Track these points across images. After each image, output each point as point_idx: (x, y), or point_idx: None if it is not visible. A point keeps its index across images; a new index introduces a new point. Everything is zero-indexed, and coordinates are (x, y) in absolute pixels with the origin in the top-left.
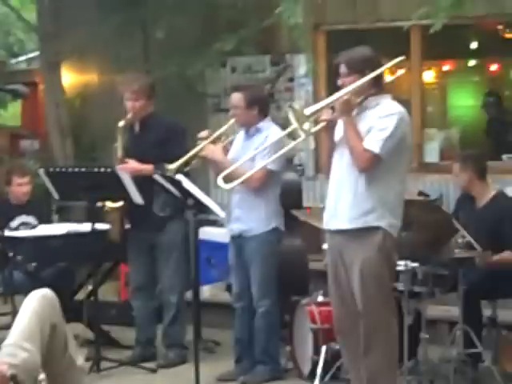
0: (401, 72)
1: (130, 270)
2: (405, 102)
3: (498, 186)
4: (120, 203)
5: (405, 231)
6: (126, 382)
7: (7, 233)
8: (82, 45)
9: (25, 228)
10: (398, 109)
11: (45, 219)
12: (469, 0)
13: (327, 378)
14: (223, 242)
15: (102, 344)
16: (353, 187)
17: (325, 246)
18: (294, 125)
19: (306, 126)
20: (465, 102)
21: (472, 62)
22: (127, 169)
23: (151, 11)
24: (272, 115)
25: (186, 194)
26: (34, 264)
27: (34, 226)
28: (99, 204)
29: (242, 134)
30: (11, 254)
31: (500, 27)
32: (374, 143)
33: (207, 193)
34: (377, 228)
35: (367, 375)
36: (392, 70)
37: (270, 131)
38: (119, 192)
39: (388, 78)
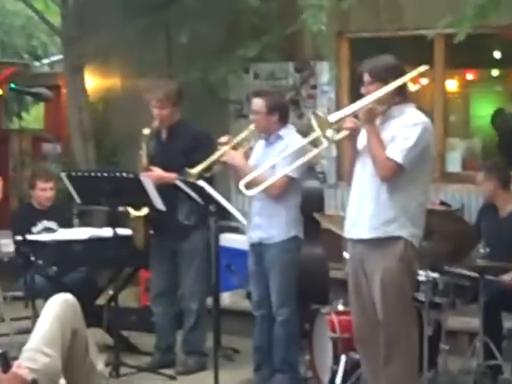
0: (425, 81)
1: (152, 275)
2: (426, 113)
3: None
4: (144, 211)
5: (426, 241)
6: None
7: (29, 237)
8: (106, 48)
9: (47, 234)
10: (422, 118)
11: (66, 223)
12: (493, 9)
13: None
14: (244, 248)
15: (121, 349)
16: (375, 196)
17: (346, 255)
18: (317, 132)
19: (329, 133)
20: (487, 112)
21: (495, 72)
22: (152, 177)
23: (175, 16)
24: (293, 122)
25: (208, 200)
26: (55, 268)
27: (55, 232)
28: (121, 209)
29: (261, 142)
30: (33, 258)
31: None
32: (397, 152)
33: (228, 199)
34: (398, 238)
35: None
36: (415, 79)
37: (291, 138)
38: (141, 198)
39: (412, 87)
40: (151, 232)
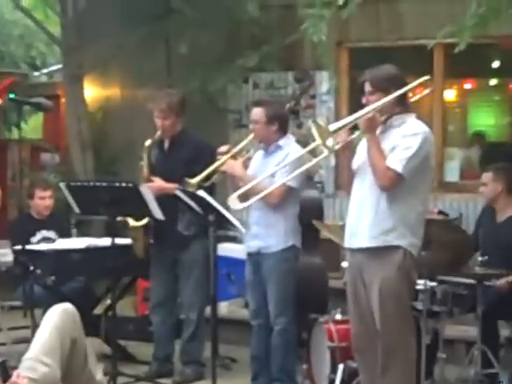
0: (427, 91)
1: (152, 285)
2: (426, 123)
3: None
4: (143, 221)
5: (424, 250)
6: None
7: (28, 246)
8: (105, 58)
9: (46, 243)
10: (423, 128)
11: (64, 233)
12: (493, 19)
13: None
14: (242, 258)
15: (118, 359)
16: (374, 206)
17: (344, 264)
18: (318, 141)
19: (330, 142)
20: (486, 121)
21: (493, 81)
22: (153, 187)
23: (175, 26)
24: (292, 132)
25: (208, 209)
26: (53, 278)
27: (54, 242)
28: (119, 219)
29: (260, 151)
30: (32, 268)
31: None
32: (397, 162)
33: (227, 209)
34: (397, 247)
35: None
36: (416, 89)
37: (290, 148)
38: (140, 208)
39: (413, 96)
40: (151, 241)
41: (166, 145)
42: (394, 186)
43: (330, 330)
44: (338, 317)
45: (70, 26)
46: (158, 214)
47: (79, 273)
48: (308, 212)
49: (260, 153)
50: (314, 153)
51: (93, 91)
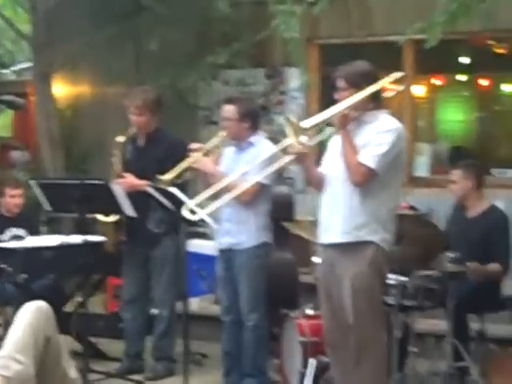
0: (401, 88)
1: (124, 282)
2: (398, 118)
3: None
4: (113, 217)
5: (395, 245)
6: None
7: None
8: (75, 56)
9: (16, 241)
10: (396, 125)
11: (34, 231)
12: (464, 15)
13: None
14: (212, 254)
15: (89, 356)
16: (347, 201)
17: (314, 259)
18: (291, 138)
19: (303, 139)
20: (454, 117)
21: (463, 77)
22: (124, 184)
23: (145, 23)
24: (262, 128)
25: (179, 206)
26: (24, 275)
27: (24, 239)
28: (89, 216)
29: (231, 148)
30: (3, 266)
31: (491, 42)
32: (369, 158)
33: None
34: (369, 242)
35: None
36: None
37: (262, 145)
38: (111, 204)
39: (387, 93)
40: (123, 238)
41: (141, 142)
42: (366, 181)
43: (301, 325)
44: (310, 312)
45: (41, 24)
46: (130, 210)
47: (50, 270)
48: (279, 208)
49: (231, 150)
50: (284, 150)
51: (63, 89)
